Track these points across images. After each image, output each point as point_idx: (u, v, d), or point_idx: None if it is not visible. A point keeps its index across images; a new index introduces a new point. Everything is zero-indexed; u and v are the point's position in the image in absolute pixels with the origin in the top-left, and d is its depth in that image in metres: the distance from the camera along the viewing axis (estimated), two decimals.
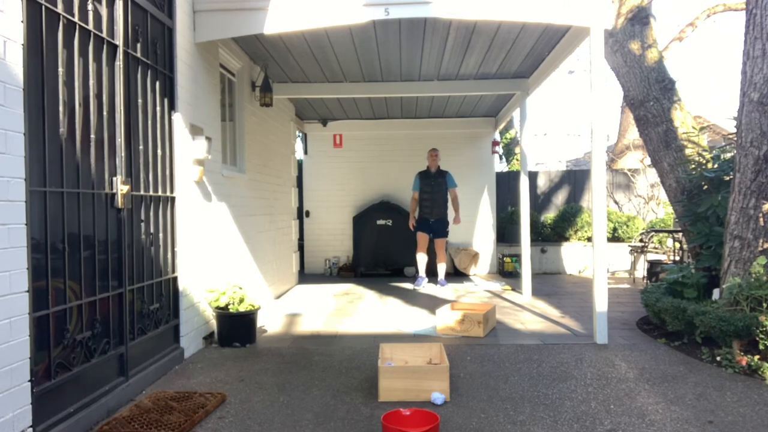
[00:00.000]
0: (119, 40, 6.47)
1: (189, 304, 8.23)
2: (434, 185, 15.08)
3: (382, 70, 12.62)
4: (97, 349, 5.97)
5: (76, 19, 5.64)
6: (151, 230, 7.27)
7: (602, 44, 8.69)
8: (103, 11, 6.21)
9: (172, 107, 7.89)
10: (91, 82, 5.94)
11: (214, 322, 8.94)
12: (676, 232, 14.72)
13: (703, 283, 9.13)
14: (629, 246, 17.33)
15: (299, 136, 18.61)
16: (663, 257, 15.96)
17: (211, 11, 8.60)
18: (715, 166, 10.27)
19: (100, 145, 6.07)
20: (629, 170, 20.62)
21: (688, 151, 11.05)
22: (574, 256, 18.46)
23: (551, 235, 19.02)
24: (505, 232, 18.83)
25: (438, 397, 6.27)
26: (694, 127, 11.31)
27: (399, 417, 5.45)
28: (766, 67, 8.05)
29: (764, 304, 7.57)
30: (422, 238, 15.12)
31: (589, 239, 18.09)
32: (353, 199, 18.77)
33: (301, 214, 18.52)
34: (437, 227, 15.06)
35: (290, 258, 15.28)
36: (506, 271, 17.54)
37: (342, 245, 18.82)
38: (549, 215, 19.59)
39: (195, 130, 8.38)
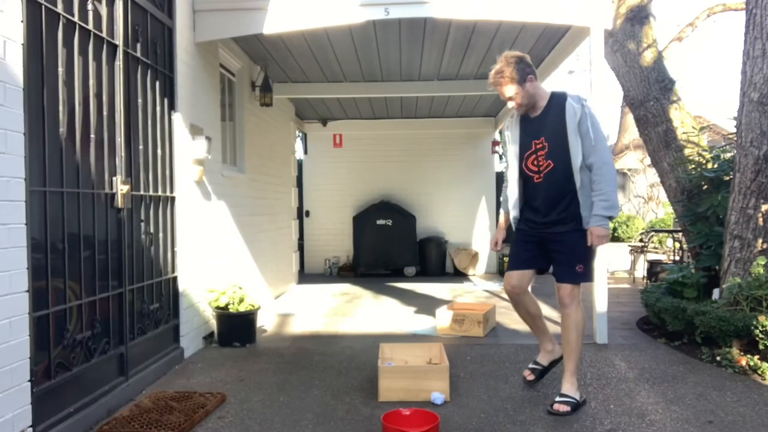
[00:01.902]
0: (119, 40, 6.46)
1: (189, 303, 8.23)
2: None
3: (382, 70, 12.63)
4: (97, 349, 5.97)
5: (75, 18, 5.64)
6: (151, 230, 7.27)
7: (602, 44, 8.71)
8: (103, 11, 6.20)
9: (172, 107, 7.89)
10: (91, 81, 5.94)
11: (213, 322, 8.93)
12: (676, 232, 14.71)
13: (702, 283, 9.12)
14: (629, 246, 17.31)
15: (299, 135, 18.62)
16: (663, 257, 15.96)
17: (211, 11, 8.60)
18: (715, 166, 10.26)
19: (99, 145, 6.07)
20: (629, 170, 20.63)
21: (687, 151, 11.04)
22: None
23: None
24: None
25: (438, 396, 6.26)
26: (693, 127, 11.30)
27: (399, 417, 5.45)
28: (766, 67, 8.05)
29: (764, 304, 7.58)
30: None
31: None
32: (353, 199, 18.70)
33: (301, 213, 18.50)
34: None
35: (290, 258, 15.27)
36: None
37: (342, 245, 18.77)
38: None
39: (195, 130, 8.37)
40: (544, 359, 6.87)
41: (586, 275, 6.37)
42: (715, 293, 8.77)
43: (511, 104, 6.36)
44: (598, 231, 6.05)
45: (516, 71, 6.15)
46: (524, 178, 6.51)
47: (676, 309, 8.55)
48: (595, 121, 6.17)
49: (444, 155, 18.41)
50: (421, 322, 10.40)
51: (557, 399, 6.10)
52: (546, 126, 6.30)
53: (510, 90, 6.21)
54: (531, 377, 6.76)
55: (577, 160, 6.11)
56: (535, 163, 6.34)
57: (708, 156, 10.66)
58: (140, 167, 7.00)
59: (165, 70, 7.74)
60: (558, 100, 6.31)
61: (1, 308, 4.52)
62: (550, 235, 6.38)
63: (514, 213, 6.71)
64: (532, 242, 6.57)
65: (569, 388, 6.19)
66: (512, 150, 6.54)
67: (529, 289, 6.85)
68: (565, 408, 5.99)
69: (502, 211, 7.10)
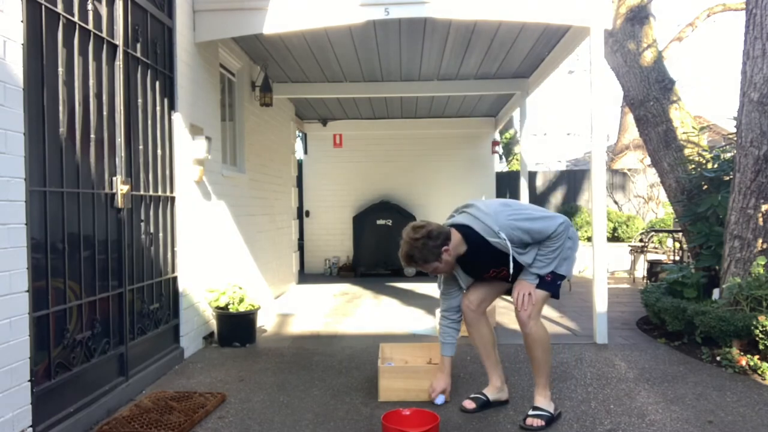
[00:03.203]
0: (119, 40, 6.47)
1: (189, 303, 8.23)
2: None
3: (382, 70, 12.64)
4: (97, 349, 5.97)
5: (75, 18, 5.64)
6: (151, 230, 7.28)
7: (602, 44, 8.69)
8: (103, 11, 6.21)
9: (172, 107, 7.89)
10: (91, 81, 5.94)
11: (214, 322, 8.94)
12: (676, 232, 14.71)
13: (702, 283, 9.12)
14: (629, 246, 17.30)
15: (299, 135, 18.63)
16: (663, 257, 15.96)
17: (211, 11, 8.60)
18: (715, 166, 10.26)
19: (100, 145, 6.08)
20: (629, 170, 20.65)
21: (687, 151, 11.07)
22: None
23: None
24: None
25: (438, 396, 6.26)
26: (693, 127, 11.32)
27: (399, 417, 5.45)
28: (766, 67, 8.05)
29: (764, 304, 7.58)
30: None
31: (589, 239, 18.05)
32: (353, 199, 18.77)
33: (301, 213, 18.55)
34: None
35: (290, 258, 15.28)
36: None
37: (342, 245, 18.83)
38: None
39: (195, 130, 8.38)
40: (490, 392, 6.30)
41: (552, 285, 5.88)
42: (715, 293, 8.78)
43: (434, 274, 6.01)
44: (521, 284, 5.81)
45: (426, 252, 5.68)
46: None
47: (676, 309, 8.56)
48: (522, 227, 5.63)
49: (444, 155, 18.44)
50: (421, 322, 10.39)
51: (530, 413, 5.80)
52: (487, 262, 5.91)
53: (429, 268, 5.79)
54: (471, 406, 6.11)
55: (531, 264, 5.76)
56: (503, 276, 6.03)
57: (708, 156, 10.67)
58: (140, 167, 7.00)
59: (165, 70, 7.74)
60: (476, 242, 5.76)
61: (1, 308, 4.52)
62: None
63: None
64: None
65: (542, 401, 5.90)
66: (465, 282, 6.16)
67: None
68: (539, 422, 5.69)
69: (443, 356, 6.36)
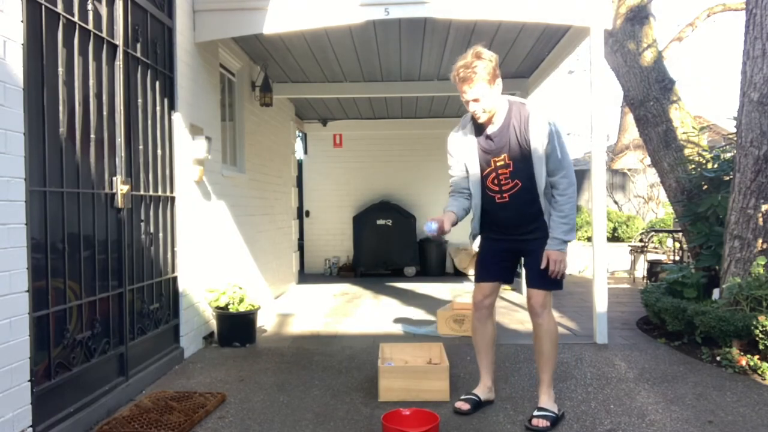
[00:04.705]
0: (119, 40, 6.47)
1: (189, 303, 8.23)
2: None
3: (382, 70, 12.62)
4: (97, 349, 5.97)
5: (75, 18, 5.64)
6: (151, 230, 7.27)
7: (602, 44, 8.69)
8: (103, 11, 6.20)
9: (172, 107, 7.89)
10: (91, 81, 5.94)
11: (213, 322, 8.93)
12: (676, 232, 14.71)
13: (702, 283, 9.12)
14: (629, 246, 17.30)
15: (299, 135, 18.59)
16: (663, 257, 15.96)
17: (211, 11, 8.60)
18: (715, 166, 10.26)
19: (100, 145, 6.07)
20: (629, 170, 20.64)
21: (687, 151, 11.08)
22: (574, 256, 18.34)
23: None
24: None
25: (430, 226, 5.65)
26: (694, 127, 11.32)
27: (399, 417, 5.44)
28: (766, 67, 8.05)
29: (764, 304, 7.58)
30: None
31: (589, 239, 18.03)
32: (353, 199, 18.74)
33: (301, 213, 18.53)
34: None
35: (290, 258, 15.27)
36: None
37: (342, 245, 18.80)
38: None
39: (195, 130, 8.37)
40: (481, 392, 6.22)
41: (559, 282, 5.85)
42: (715, 293, 8.77)
43: (474, 107, 5.56)
44: (555, 255, 5.60)
45: (488, 70, 5.43)
46: (484, 197, 5.94)
47: (676, 309, 8.55)
48: (562, 139, 5.60)
49: (445, 155, 18.35)
50: (421, 322, 10.37)
51: (535, 413, 5.71)
52: (508, 142, 5.67)
53: (479, 90, 5.45)
54: (466, 407, 6.02)
55: (542, 183, 5.59)
56: (496, 182, 5.79)
57: (708, 156, 10.68)
58: (140, 167, 7.00)
59: (165, 70, 7.74)
60: (519, 114, 5.63)
61: (1, 308, 4.52)
62: (521, 242, 5.90)
63: (476, 230, 6.11)
64: (501, 250, 6.04)
65: (547, 401, 5.84)
66: (471, 166, 5.92)
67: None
68: (545, 423, 5.61)
69: (448, 210, 5.97)
